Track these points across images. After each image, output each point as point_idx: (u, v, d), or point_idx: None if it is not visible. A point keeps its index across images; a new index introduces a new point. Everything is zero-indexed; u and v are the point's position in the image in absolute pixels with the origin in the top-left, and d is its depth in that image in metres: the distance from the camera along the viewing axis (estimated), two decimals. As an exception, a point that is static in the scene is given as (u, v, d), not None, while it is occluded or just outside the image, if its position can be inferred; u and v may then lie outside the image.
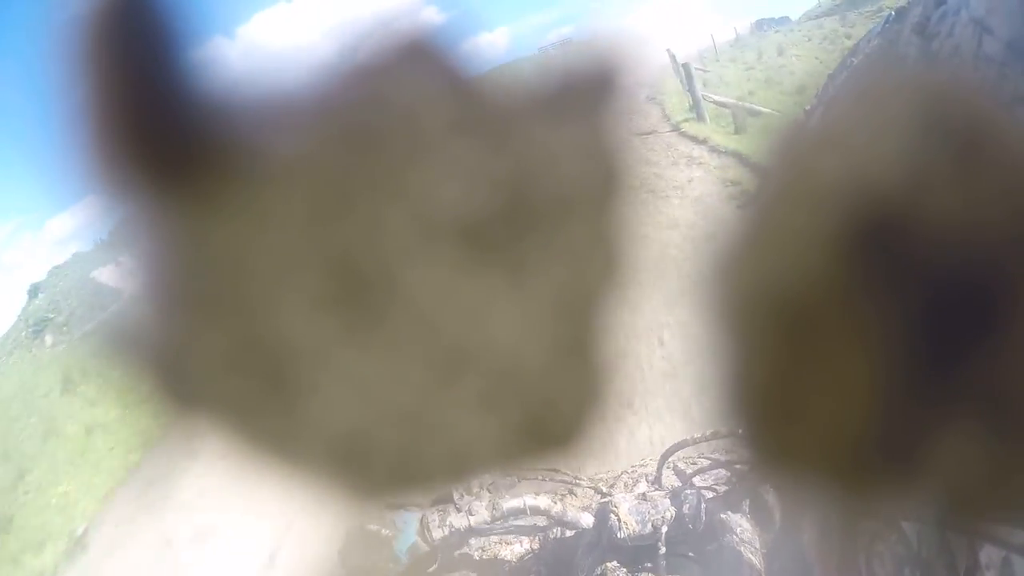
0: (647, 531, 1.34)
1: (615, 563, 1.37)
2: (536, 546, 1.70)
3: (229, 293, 0.18)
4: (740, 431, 0.21)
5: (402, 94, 0.18)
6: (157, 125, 0.17)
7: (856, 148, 0.19)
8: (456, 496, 1.65)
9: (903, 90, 0.19)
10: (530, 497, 1.66)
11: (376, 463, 0.20)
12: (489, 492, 1.68)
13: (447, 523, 1.64)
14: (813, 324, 0.19)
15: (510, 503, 1.67)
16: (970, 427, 0.19)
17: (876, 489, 0.21)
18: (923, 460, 0.19)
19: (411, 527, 1.67)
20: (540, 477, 1.69)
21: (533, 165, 0.19)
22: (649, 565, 1.33)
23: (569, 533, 1.66)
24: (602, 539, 1.44)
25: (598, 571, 1.38)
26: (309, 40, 0.19)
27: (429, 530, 1.62)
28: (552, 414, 0.21)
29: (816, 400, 0.20)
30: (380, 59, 0.19)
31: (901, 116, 0.19)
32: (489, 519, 1.66)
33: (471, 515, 1.66)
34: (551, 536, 1.69)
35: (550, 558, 1.67)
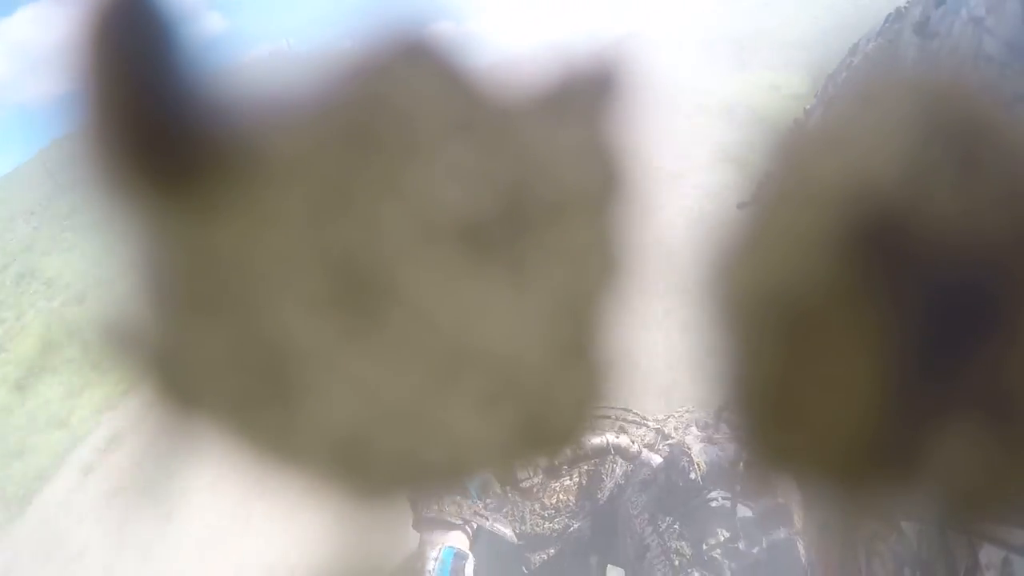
0: (716, 472, 1.35)
1: (669, 519, 1.37)
2: (584, 481, 1.67)
3: (228, 293, 0.18)
4: (740, 432, 0.21)
5: (401, 94, 0.18)
6: (156, 124, 0.17)
7: (856, 148, 0.19)
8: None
9: (903, 90, 0.19)
10: (612, 435, 1.59)
11: (375, 463, 0.20)
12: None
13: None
14: (813, 325, 0.19)
15: (594, 441, 1.59)
16: (970, 427, 0.19)
17: (876, 489, 0.21)
18: (923, 460, 0.19)
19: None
20: (613, 416, 1.66)
21: (533, 165, 0.19)
22: (693, 527, 1.33)
23: (619, 470, 1.64)
24: (658, 479, 1.44)
25: (650, 521, 1.38)
26: (308, 39, 0.19)
27: (511, 470, 1.58)
28: (551, 414, 0.21)
29: (816, 401, 0.20)
30: (379, 58, 0.19)
31: (901, 116, 0.19)
32: (571, 456, 1.59)
33: (553, 453, 1.61)
34: (601, 471, 1.66)
35: (596, 492, 1.64)
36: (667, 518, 1.38)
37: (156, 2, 0.17)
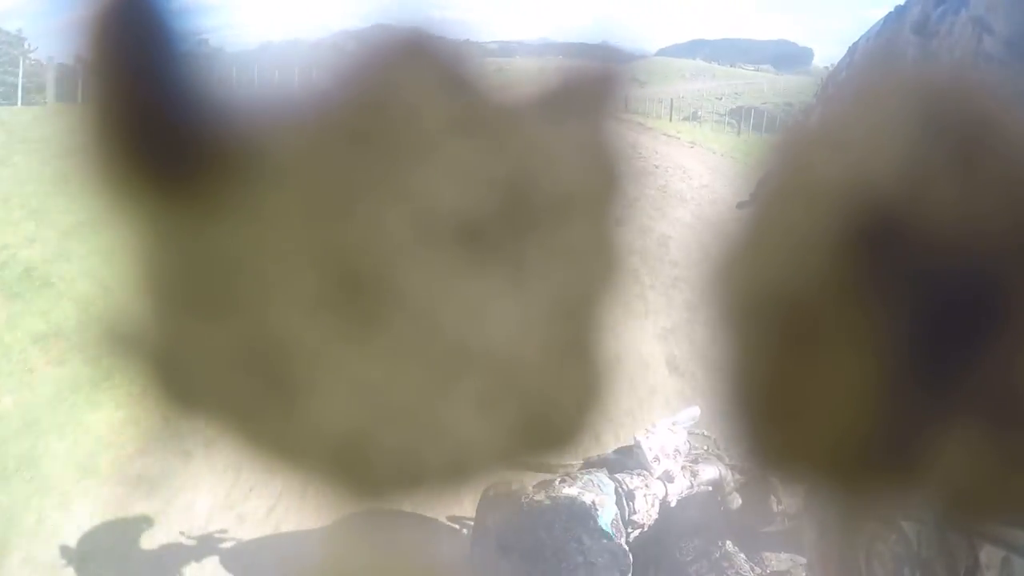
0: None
1: (731, 544, 1.35)
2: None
3: (227, 293, 0.18)
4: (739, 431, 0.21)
5: (401, 93, 0.18)
6: (155, 123, 0.17)
7: (855, 147, 0.19)
8: (651, 458, 1.44)
9: (902, 89, 0.19)
10: (723, 467, 1.55)
11: (376, 463, 0.20)
12: (674, 457, 1.50)
13: (651, 491, 1.44)
14: (812, 323, 0.19)
15: (708, 472, 1.54)
16: (970, 427, 0.19)
17: (876, 489, 0.21)
18: (923, 460, 0.19)
19: (609, 493, 1.37)
20: (710, 447, 1.59)
21: (533, 165, 0.19)
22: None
23: (656, 513, 1.56)
24: (714, 520, 1.40)
25: (716, 554, 1.36)
26: (308, 38, 0.19)
27: (632, 499, 1.40)
28: (552, 414, 0.20)
29: (817, 400, 0.20)
30: (379, 58, 0.19)
31: (900, 115, 0.19)
32: (689, 487, 1.51)
33: (669, 482, 1.49)
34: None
35: (648, 538, 1.55)
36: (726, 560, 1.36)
37: (155, 3, 0.17)
